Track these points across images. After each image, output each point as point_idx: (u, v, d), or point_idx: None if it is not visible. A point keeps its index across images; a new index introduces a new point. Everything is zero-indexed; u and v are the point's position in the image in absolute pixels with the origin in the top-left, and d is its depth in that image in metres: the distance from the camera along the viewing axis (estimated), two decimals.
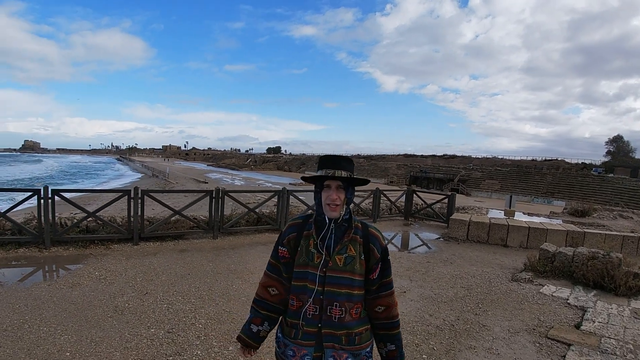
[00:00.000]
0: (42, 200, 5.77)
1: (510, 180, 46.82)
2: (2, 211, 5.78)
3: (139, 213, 6.48)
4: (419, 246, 7.98)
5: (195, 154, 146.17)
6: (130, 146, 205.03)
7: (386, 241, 1.66)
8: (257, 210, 8.01)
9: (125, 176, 54.21)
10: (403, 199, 10.93)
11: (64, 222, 6.30)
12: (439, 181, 49.30)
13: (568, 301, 4.61)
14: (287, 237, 1.62)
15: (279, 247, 1.63)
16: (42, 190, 5.80)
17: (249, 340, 1.67)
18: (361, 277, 1.56)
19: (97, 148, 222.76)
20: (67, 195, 6.28)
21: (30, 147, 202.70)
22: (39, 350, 3.00)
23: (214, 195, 7.22)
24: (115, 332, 3.36)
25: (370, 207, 10.20)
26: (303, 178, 1.69)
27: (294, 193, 8.50)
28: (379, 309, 1.63)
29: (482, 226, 8.11)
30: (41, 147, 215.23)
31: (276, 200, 8.28)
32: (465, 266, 6.14)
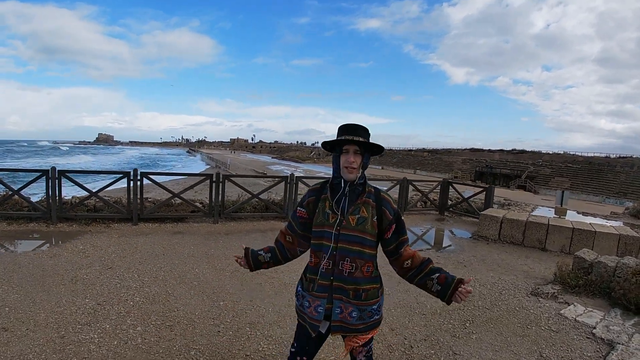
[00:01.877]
0: (49, 181, 6.63)
1: (581, 178, 44.92)
2: (15, 189, 6.73)
3: (138, 195, 7.11)
4: (437, 244, 7.59)
5: (261, 147, 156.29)
6: (200, 139, 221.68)
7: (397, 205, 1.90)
8: (262, 196, 8.27)
9: (189, 167, 58.93)
10: (438, 191, 10.44)
11: (74, 201, 7.17)
12: (505, 177, 48.32)
13: (594, 330, 3.69)
14: (307, 199, 1.94)
15: (299, 209, 1.96)
16: (49, 172, 6.68)
17: (250, 255, 2.09)
18: (372, 237, 1.82)
19: (168, 140, 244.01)
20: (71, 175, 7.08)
21: (104, 140, 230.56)
22: None
23: (214, 180, 7.64)
24: (55, 298, 3.87)
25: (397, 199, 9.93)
26: (323, 144, 1.89)
27: (303, 179, 8.61)
28: (407, 263, 1.90)
29: (517, 225, 7.37)
30: (114, 139, 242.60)
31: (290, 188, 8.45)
32: (481, 271, 5.59)
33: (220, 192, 7.73)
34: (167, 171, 36.20)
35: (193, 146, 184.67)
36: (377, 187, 1.92)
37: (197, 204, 8.14)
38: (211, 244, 6.28)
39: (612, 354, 3.24)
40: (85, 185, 7.33)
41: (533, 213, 9.47)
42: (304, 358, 1.97)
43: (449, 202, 10.55)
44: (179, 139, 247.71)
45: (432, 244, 7.61)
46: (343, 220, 1.80)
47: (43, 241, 6.00)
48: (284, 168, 54.13)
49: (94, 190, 7.20)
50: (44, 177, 6.77)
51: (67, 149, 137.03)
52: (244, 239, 6.71)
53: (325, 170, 54.25)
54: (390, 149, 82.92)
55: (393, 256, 1.90)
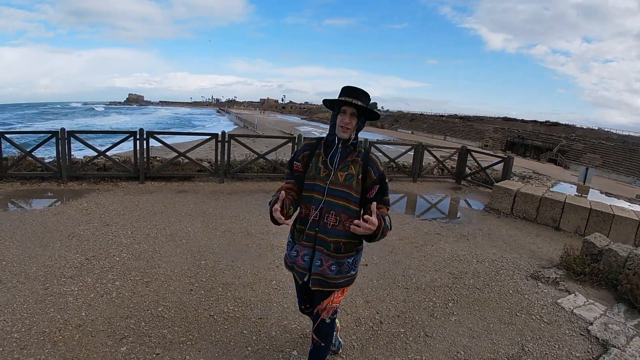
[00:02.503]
0: (59, 141, 6.93)
1: (614, 157, 42.63)
2: (27, 150, 7.10)
3: (145, 154, 7.33)
4: (443, 214, 7.42)
5: (291, 108, 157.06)
6: (230, 99, 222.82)
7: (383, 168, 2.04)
8: (268, 157, 8.33)
9: (220, 126, 60.00)
10: (456, 159, 10.26)
11: (84, 160, 7.50)
12: (536, 149, 47.29)
13: (590, 327, 3.36)
14: (302, 154, 2.10)
15: (294, 162, 2.11)
16: (59, 132, 6.97)
17: (273, 200, 1.94)
18: (357, 194, 1.97)
19: (198, 100, 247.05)
20: (80, 136, 7.35)
21: (134, 100, 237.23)
22: None
23: (219, 139, 7.73)
24: (50, 253, 4.17)
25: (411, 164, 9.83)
26: (324, 101, 2.04)
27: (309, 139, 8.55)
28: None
29: (531, 199, 6.99)
30: (145, 100, 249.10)
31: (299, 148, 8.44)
32: (483, 247, 5.34)
33: (225, 151, 7.84)
34: (173, 131, 36.75)
35: (223, 106, 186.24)
36: (368, 149, 2.09)
37: (205, 163, 8.33)
38: (211, 202, 6.48)
39: (604, 358, 2.90)
40: (96, 146, 7.63)
41: (552, 189, 9.04)
42: (308, 305, 2.26)
43: (468, 171, 10.32)
44: (209, 99, 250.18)
45: (439, 214, 7.44)
46: (332, 175, 1.97)
47: (50, 199, 6.38)
48: (312, 129, 54.11)
49: (102, 150, 7.47)
50: (54, 137, 7.06)
51: (103, 109, 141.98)
52: (245, 199, 6.88)
53: None
54: (422, 114, 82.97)
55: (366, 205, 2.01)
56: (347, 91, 1.95)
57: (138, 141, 7.35)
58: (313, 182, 2.01)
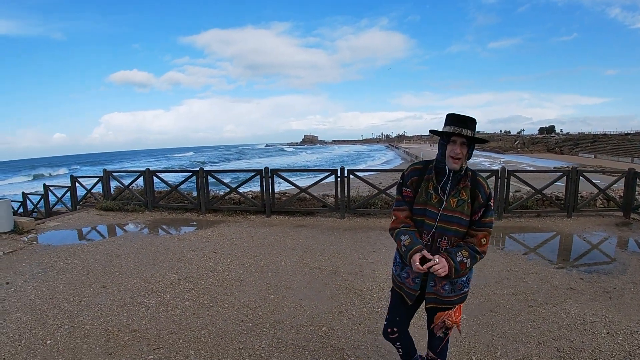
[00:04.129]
0: (198, 179, 8.42)
1: None
2: (174, 185, 8.79)
3: (270, 190, 8.23)
4: (589, 260, 5.80)
5: None
6: (399, 134, 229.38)
7: (490, 190, 2.15)
8: (388, 191, 8.24)
9: (390, 162, 63.04)
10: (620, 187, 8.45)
11: (219, 195, 8.86)
12: None
13: None
14: (410, 179, 2.21)
15: (403, 188, 2.23)
16: (198, 172, 8.49)
17: (416, 245, 2.10)
18: (467, 217, 2.11)
19: (368, 137, 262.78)
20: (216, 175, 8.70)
21: (309, 140, 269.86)
22: (111, 269, 5.20)
23: (338, 175, 8.07)
24: (155, 270, 5.13)
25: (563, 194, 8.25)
26: (431, 131, 2.26)
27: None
28: (471, 239, 2.13)
29: None
30: (319, 139, 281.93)
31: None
32: (628, 310, 3.93)
33: (345, 187, 8.09)
34: (296, 168, 39.53)
35: (392, 141, 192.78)
36: (475, 170, 2.17)
37: (331, 199, 8.73)
38: (322, 238, 6.70)
39: None
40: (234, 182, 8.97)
41: None
42: (395, 329, 2.33)
43: None
44: (379, 135, 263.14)
45: (585, 260, 5.87)
46: (444, 202, 2.09)
47: (183, 227, 7.82)
48: (483, 160, 50.92)
49: (234, 187, 8.74)
50: (194, 176, 8.61)
51: (293, 149, 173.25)
52: (359, 235, 6.85)
53: (527, 161, 49.01)
54: (605, 134, 75.08)
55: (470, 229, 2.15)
56: (456, 120, 2.04)
57: (264, 178, 8.29)
58: (424, 207, 2.14)
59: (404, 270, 2.24)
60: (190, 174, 8.98)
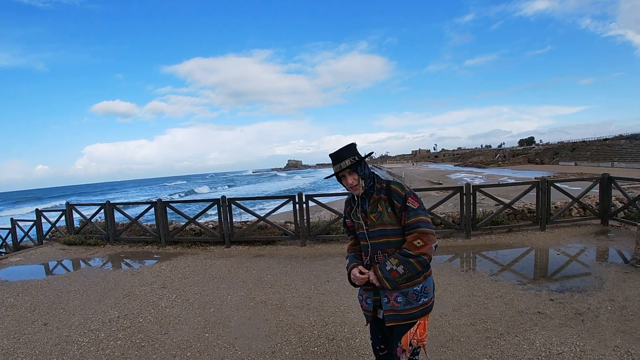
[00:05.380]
0: (157, 210, 8.42)
1: None
2: (134, 218, 8.79)
3: (229, 219, 8.23)
4: (561, 277, 5.46)
5: (444, 155, 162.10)
6: (382, 154, 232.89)
7: (407, 191, 2.22)
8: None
9: None
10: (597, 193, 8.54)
11: (178, 227, 8.83)
12: None
13: None
14: (346, 210, 2.49)
15: (346, 220, 2.50)
16: (157, 203, 8.48)
17: (352, 263, 2.40)
18: (393, 226, 2.21)
19: None
20: (174, 205, 8.69)
21: (294, 165, 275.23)
22: (57, 306, 5.13)
23: (297, 200, 8.10)
24: (98, 307, 5.12)
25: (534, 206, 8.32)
26: (326, 177, 2.50)
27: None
28: (405, 245, 2.18)
29: None
30: (303, 164, 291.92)
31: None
32: (603, 335, 3.67)
33: (304, 213, 8.13)
34: (254, 196, 39.81)
35: (375, 162, 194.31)
36: (388, 179, 2.31)
37: (292, 225, 8.72)
38: (277, 268, 6.62)
39: None
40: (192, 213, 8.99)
41: None
42: (382, 346, 2.41)
43: (619, 205, 8.33)
44: None
45: (557, 276, 5.52)
46: (368, 220, 2.26)
47: (140, 261, 7.78)
48: (464, 175, 51.96)
49: (192, 217, 8.71)
50: (152, 207, 8.60)
51: (286, 174, 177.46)
52: (316, 264, 6.73)
53: (509, 174, 50.50)
54: (584, 141, 79.22)
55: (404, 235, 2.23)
56: (334, 159, 2.27)
57: (221, 207, 8.29)
58: (358, 231, 2.34)
59: (359, 294, 2.41)
60: (149, 205, 8.94)
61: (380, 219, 2.20)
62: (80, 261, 8.05)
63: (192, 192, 78.69)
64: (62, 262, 8.07)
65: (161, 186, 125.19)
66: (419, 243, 2.10)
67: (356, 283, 2.28)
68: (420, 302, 2.19)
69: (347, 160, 2.22)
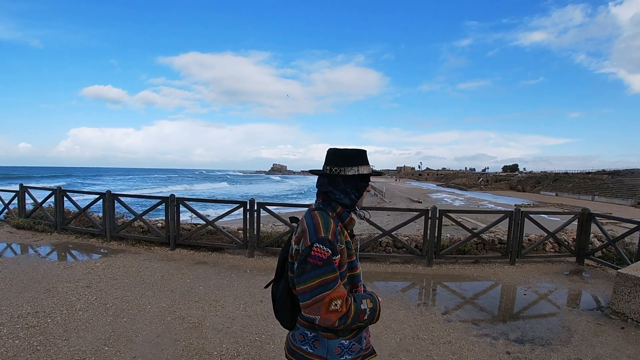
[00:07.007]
0: (105, 202, 8.21)
1: None
2: (82, 208, 8.61)
3: (175, 220, 8.09)
4: (524, 324, 4.86)
5: (428, 174, 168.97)
6: None
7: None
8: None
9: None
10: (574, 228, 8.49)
11: (125, 222, 8.67)
12: None
13: None
14: (335, 231, 2.00)
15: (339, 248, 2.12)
16: (105, 195, 8.29)
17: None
18: None
19: None
20: (124, 199, 8.57)
21: (278, 170, 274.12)
22: None
23: (247, 208, 7.98)
24: (17, 301, 4.97)
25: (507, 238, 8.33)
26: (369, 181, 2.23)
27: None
28: None
29: None
30: (287, 169, 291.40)
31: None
32: None
33: (254, 221, 7.99)
34: (206, 198, 40.44)
35: None
36: (317, 210, 1.86)
37: (242, 233, 8.49)
38: (214, 279, 6.34)
39: None
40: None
41: None
42: None
43: (598, 244, 8.20)
44: None
45: (512, 318, 5.09)
46: (353, 243, 1.96)
47: (79, 254, 7.65)
48: (446, 196, 52.89)
49: (139, 213, 8.57)
50: (101, 199, 8.43)
51: (279, 177, 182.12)
52: (256, 279, 6.43)
53: (489, 198, 51.58)
54: (566, 173, 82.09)
55: None
56: (373, 171, 2.02)
57: (169, 207, 8.18)
58: (352, 258, 1.91)
59: (360, 343, 1.86)
60: (97, 196, 8.74)
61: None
62: (20, 247, 7.92)
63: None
64: (1, 247, 7.94)
65: (167, 178, 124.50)
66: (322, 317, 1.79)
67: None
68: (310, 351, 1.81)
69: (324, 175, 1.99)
